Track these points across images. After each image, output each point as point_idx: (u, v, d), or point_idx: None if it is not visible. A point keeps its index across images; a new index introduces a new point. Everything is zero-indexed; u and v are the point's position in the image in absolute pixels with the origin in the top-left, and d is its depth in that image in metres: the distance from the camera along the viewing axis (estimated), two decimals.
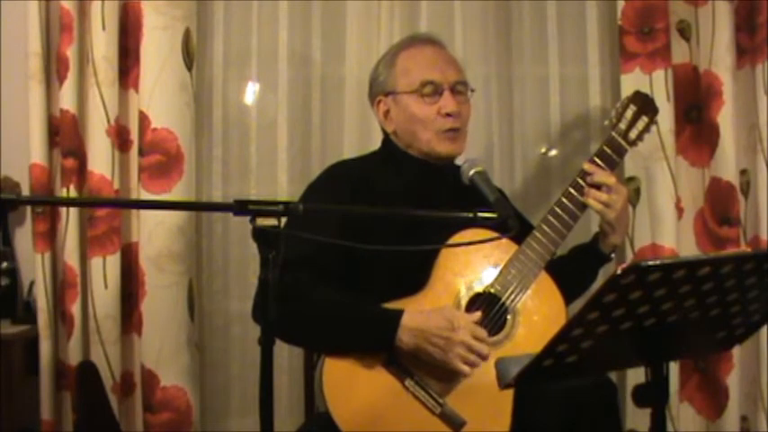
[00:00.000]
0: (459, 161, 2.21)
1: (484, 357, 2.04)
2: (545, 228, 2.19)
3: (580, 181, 2.24)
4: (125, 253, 2.72)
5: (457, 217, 1.90)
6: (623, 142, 2.29)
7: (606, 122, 2.35)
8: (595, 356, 1.64)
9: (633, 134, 2.31)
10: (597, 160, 2.25)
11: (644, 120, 2.33)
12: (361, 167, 2.33)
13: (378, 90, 2.33)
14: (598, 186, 2.23)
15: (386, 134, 2.35)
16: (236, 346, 2.86)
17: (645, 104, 2.34)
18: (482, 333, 2.06)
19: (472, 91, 2.32)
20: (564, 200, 2.22)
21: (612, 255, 2.35)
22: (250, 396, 2.83)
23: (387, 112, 2.31)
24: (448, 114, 2.24)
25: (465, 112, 2.29)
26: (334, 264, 2.13)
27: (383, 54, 2.39)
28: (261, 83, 2.88)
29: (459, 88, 2.28)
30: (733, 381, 2.67)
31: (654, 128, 2.39)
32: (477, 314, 2.09)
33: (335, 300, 2.12)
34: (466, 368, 2.04)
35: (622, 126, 2.30)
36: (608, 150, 2.27)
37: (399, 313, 2.06)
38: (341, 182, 2.27)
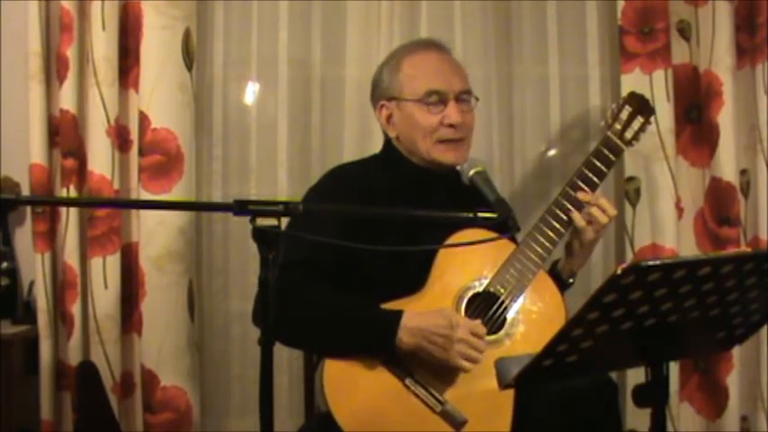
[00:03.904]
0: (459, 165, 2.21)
1: (482, 351, 2.05)
2: (543, 227, 2.19)
3: (578, 181, 2.24)
4: (125, 253, 2.72)
5: (457, 217, 1.91)
6: (619, 142, 2.29)
7: (602, 123, 2.35)
8: (595, 356, 1.64)
9: (629, 134, 2.31)
10: (594, 160, 2.25)
11: (639, 120, 2.32)
12: (362, 171, 2.32)
13: (381, 94, 2.31)
14: (581, 206, 2.21)
15: (387, 138, 2.35)
16: (236, 346, 2.86)
17: (641, 105, 2.34)
18: (481, 330, 2.07)
19: (477, 99, 2.32)
20: (562, 199, 2.22)
21: (572, 281, 2.29)
22: (250, 396, 2.83)
23: (389, 117, 2.30)
24: (451, 125, 2.23)
25: (469, 122, 2.28)
26: (333, 265, 2.13)
27: (387, 57, 2.37)
28: (261, 83, 2.88)
29: (464, 97, 2.27)
30: (733, 381, 2.68)
31: (650, 128, 2.39)
32: (477, 321, 2.09)
33: (335, 302, 2.12)
34: (467, 364, 2.04)
35: (618, 126, 2.30)
36: (604, 150, 2.27)
37: (399, 314, 2.06)
38: (343, 186, 2.26)
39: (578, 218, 2.20)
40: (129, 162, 2.74)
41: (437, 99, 2.24)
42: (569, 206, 2.21)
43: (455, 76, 2.28)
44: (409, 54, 2.31)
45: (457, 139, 2.25)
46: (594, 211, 2.20)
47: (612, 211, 2.22)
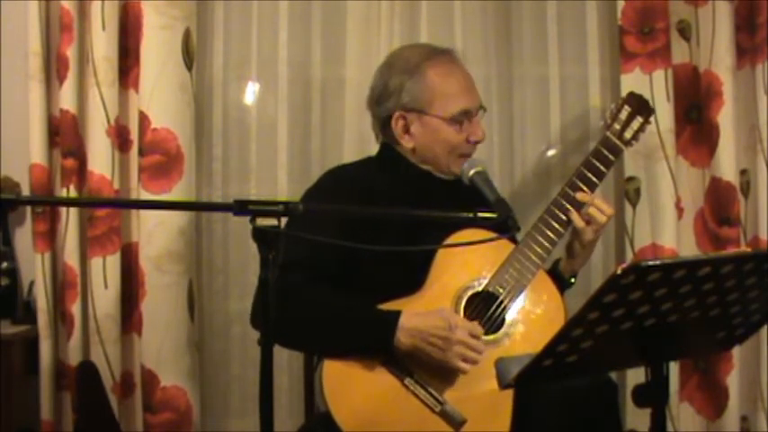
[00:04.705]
0: None
1: (480, 353, 2.05)
2: (542, 227, 2.19)
3: (577, 181, 2.24)
4: (125, 253, 2.72)
5: (457, 217, 1.91)
6: (618, 142, 2.29)
7: (601, 123, 2.35)
8: (595, 356, 1.64)
9: (628, 134, 2.31)
10: (593, 160, 2.25)
11: (639, 120, 2.33)
12: (361, 172, 2.32)
13: (401, 105, 2.22)
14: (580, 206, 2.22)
15: (384, 141, 2.33)
16: (236, 346, 2.86)
17: (640, 105, 2.34)
18: (479, 331, 2.07)
19: (485, 111, 2.31)
20: (561, 199, 2.22)
21: (573, 280, 2.30)
22: (250, 396, 2.83)
23: (406, 128, 2.25)
24: (476, 141, 2.24)
25: None
26: (332, 265, 2.13)
27: (401, 63, 2.26)
28: (261, 83, 2.88)
29: (480, 112, 2.27)
30: (733, 381, 2.68)
31: (649, 128, 2.39)
32: (475, 323, 2.09)
33: (334, 302, 2.12)
34: (465, 366, 2.04)
35: (617, 126, 2.30)
36: (603, 150, 2.27)
37: (397, 315, 2.06)
38: (342, 186, 2.26)
39: (577, 218, 2.20)
40: (129, 162, 2.74)
41: (466, 117, 2.23)
42: (568, 206, 2.21)
43: (475, 91, 2.27)
44: (433, 65, 2.23)
45: (471, 152, 2.25)
46: (592, 210, 2.20)
47: (609, 211, 2.22)
